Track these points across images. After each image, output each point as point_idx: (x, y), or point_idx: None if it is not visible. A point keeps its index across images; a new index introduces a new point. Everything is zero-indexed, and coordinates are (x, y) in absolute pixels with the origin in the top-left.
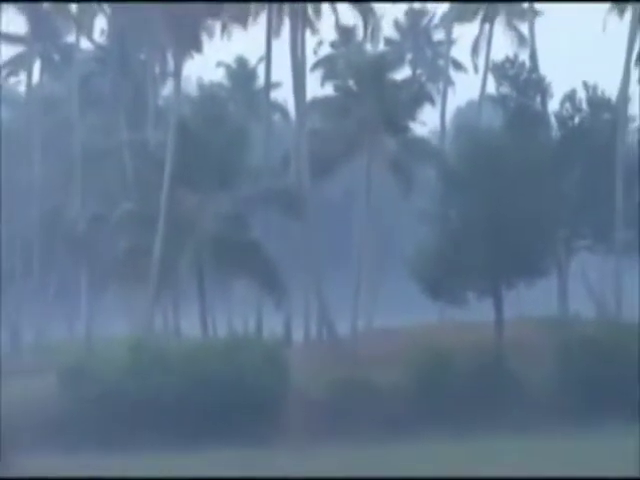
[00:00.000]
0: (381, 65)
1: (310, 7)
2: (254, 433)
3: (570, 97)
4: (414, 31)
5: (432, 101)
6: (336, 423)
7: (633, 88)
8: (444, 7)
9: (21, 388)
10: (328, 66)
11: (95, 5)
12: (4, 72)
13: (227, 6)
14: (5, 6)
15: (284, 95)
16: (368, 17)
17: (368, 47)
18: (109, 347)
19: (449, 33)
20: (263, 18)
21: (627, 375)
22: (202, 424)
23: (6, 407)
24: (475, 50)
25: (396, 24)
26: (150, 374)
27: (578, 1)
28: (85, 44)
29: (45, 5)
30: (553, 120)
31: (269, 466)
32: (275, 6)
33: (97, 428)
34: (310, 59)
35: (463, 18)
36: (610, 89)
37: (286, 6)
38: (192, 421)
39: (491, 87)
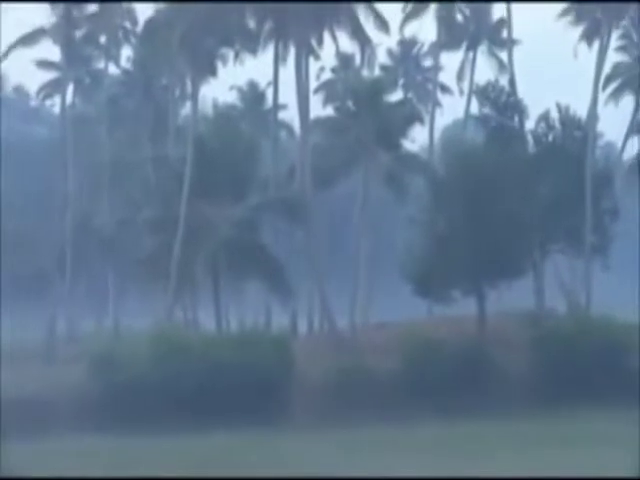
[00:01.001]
0: (376, 88)
1: (313, 37)
2: (264, 415)
3: (544, 117)
4: (406, 58)
5: (422, 120)
6: (336, 405)
7: (600, 109)
8: (432, 37)
9: (56, 374)
10: (329, 89)
11: (122, 35)
12: (41, 95)
13: (239, 36)
14: (42, 37)
15: (290, 115)
16: (365, 46)
17: (365, 72)
18: (134, 338)
19: (437, 60)
20: (271, 47)
21: (595, 363)
22: (217, 407)
23: (42, 391)
24: (460, 75)
25: (390, 52)
26: (171, 362)
27: None
28: (113, 70)
29: (77, 35)
30: (529, 137)
31: (278, 444)
32: (281, 36)
33: (123, 410)
34: (313, 83)
35: (449, 47)
36: (580, 110)
37: (291, 36)
38: (208, 404)
39: (474, 108)
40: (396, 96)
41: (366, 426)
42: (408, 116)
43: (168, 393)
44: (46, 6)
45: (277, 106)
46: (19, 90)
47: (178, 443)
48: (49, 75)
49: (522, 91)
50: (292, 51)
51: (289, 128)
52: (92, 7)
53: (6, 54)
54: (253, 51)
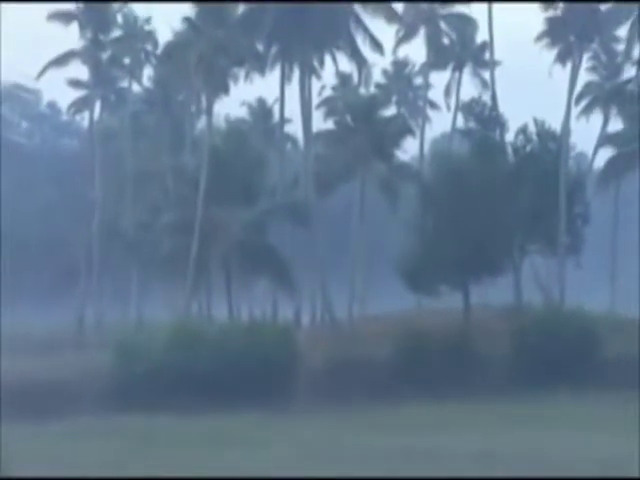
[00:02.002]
0: (372, 104)
1: (315, 59)
2: (271, 397)
3: (523, 130)
4: (398, 78)
5: (413, 133)
6: (335, 389)
7: (573, 123)
8: (422, 58)
9: (85, 360)
10: (329, 105)
11: (143, 56)
12: (72, 110)
13: (249, 58)
14: (72, 59)
15: (294, 128)
16: (362, 66)
17: (362, 90)
18: (155, 328)
19: (426, 79)
20: (278, 68)
21: (568, 350)
22: (229, 389)
23: (72, 374)
24: (447, 93)
25: (384, 72)
26: (187, 349)
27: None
28: (135, 88)
29: (104, 57)
30: (509, 148)
31: (283, 422)
32: (287, 58)
33: (145, 392)
34: (315, 100)
35: (437, 67)
36: (555, 124)
37: (296, 58)
38: (221, 388)
39: (460, 122)
40: (390, 111)
41: (362, 406)
42: (401, 129)
43: (185, 377)
44: (76, 30)
45: (283, 120)
46: (52, 106)
47: (194, 421)
48: (79, 93)
49: (503, 107)
50: (296, 71)
51: (294, 140)
52: (117, 32)
53: (41, 73)
54: (261, 71)
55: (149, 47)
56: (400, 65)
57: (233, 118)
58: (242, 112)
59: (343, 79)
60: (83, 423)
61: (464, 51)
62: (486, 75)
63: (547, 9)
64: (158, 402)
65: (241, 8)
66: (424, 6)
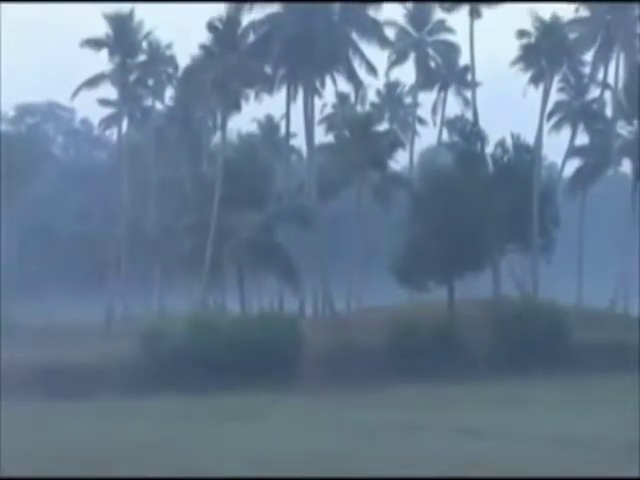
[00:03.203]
0: (367, 121)
1: (317, 81)
2: (278, 378)
3: (501, 143)
4: (391, 97)
5: (403, 146)
6: (335, 371)
7: (545, 137)
8: (412, 80)
9: (112, 347)
10: (330, 121)
11: (165, 78)
12: (102, 126)
13: (258, 80)
14: (103, 80)
15: (299, 141)
16: (358, 87)
17: (358, 108)
18: (175, 319)
19: (415, 98)
20: (284, 88)
21: (541, 338)
22: (241, 372)
23: (100, 359)
24: (434, 110)
25: (378, 92)
26: (204, 337)
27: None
28: (158, 106)
29: (131, 79)
30: (489, 159)
31: (288, 401)
32: (292, 80)
33: (166, 375)
34: (317, 116)
35: (425, 88)
36: (529, 137)
37: (300, 80)
38: (234, 370)
39: (445, 136)
40: (383, 127)
41: (358, 386)
42: (393, 143)
43: (202, 362)
44: (106, 55)
45: (289, 134)
46: (85, 122)
47: (209, 401)
48: (108, 111)
49: (483, 123)
50: (300, 92)
51: (298, 152)
52: (142, 56)
53: (75, 94)
54: (270, 91)
55: (170, 70)
56: (392, 86)
57: (244, 133)
58: (252, 127)
59: (342, 98)
60: (110, 403)
61: (449, 74)
62: (468, 95)
63: (521, 37)
64: (178, 384)
65: (251, 36)
66: (413, 34)
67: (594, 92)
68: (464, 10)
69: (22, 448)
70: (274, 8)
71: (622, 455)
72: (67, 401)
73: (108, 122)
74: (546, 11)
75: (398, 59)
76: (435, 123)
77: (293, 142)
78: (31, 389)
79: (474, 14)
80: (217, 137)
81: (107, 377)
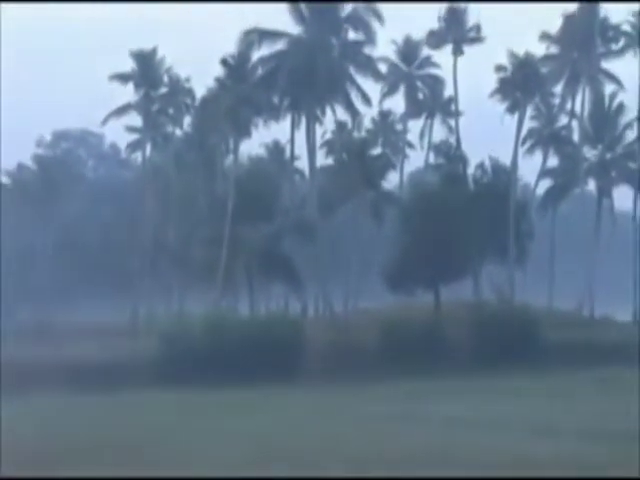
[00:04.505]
0: (363, 145)
1: (318, 110)
2: (283, 373)
3: (480, 165)
4: (384, 124)
5: (395, 168)
6: (334, 366)
7: (520, 160)
8: (402, 109)
9: (136, 345)
10: (330, 146)
11: (184, 108)
12: (128, 150)
13: (266, 109)
14: (129, 110)
15: (302, 163)
16: (355, 116)
17: (355, 134)
18: (192, 320)
19: (405, 125)
20: (289, 116)
21: (516, 337)
22: (250, 367)
23: (125, 356)
24: (421, 136)
25: (372, 120)
26: (218, 336)
27: None
28: (178, 132)
29: (153, 108)
30: (470, 180)
31: (292, 394)
32: (296, 109)
33: (184, 371)
34: (318, 141)
35: (414, 116)
36: (505, 160)
37: (303, 109)
38: (244, 366)
39: (431, 159)
40: (377, 151)
41: (354, 379)
42: (385, 165)
43: (216, 358)
44: (131, 88)
45: (293, 157)
46: (113, 147)
47: (222, 393)
48: (134, 136)
49: (465, 147)
50: (303, 119)
51: (301, 173)
52: (163, 89)
53: (104, 121)
54: (276, 119)
55: (188, 100)
56: (385, 115)
57: (254, 155)
58: (261, 151)
59: (340, 126)
60: (135, 395)
61: (435, 104)
62: (452, 122)
63: (499, 72)
64: (194, 378)
65: (260, 70)
66: (403, 68)
67: (563, 120)
68: (448, 48)
69: (58, 437)
70: (280, 45)
71: (580, 439)
72: (96, 394)
73: (133, 146)
74: (520, 48)
75: (390, 91)
76: (422, 147)
77: (297, 164)
78: (64, 383)
79: (457, 52)
80: (230, 159)
81: (132, 372)
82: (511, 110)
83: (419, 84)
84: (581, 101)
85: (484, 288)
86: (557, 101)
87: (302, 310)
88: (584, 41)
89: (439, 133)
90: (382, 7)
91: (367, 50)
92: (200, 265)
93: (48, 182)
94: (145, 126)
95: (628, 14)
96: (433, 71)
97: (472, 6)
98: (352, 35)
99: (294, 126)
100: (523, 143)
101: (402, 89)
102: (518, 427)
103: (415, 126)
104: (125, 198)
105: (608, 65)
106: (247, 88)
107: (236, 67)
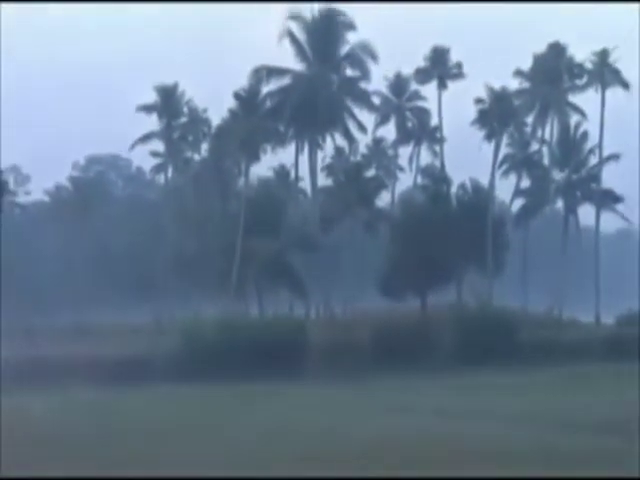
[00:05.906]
0: (359, 168)
1: (319, 137)
2: (288, 370)
3: (462, 186)
4: (377, 150)
5: (387, 188)
6: (334, 363)
7: (497, 181)
8: (393, 136)
9: (158, 343)
10: (329, 169)
11: (201, 136)
12: (152, 173)
13: (273, 136)
14: (153, 137)
15: (305, 184)
16: (351, 142)
17: (351, 159)
18: (208, 321)
19: (396, 151)
20: (293, 143)
21: (494, 337)
22: (259, 364)
23: (149, 355)
24: (410, 160)
25: (367, 146)
26: (231, 336)
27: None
28: (196, 157)
29: (174, 136)
30: (453, 199)
31: (297, 388)
32: (300, 137)
33: (200, 367)
34: (320, 165)
35: (403, 142)
36: (484, 181)
37: (306, 137)
38: (254, 362)
39: (419, 180)
40: (371, 173)
41: (351, 375)
42: (378, 186)
43: (229, 355)
44: (155, 118)
45: (297, 179)
46: (139, 170)
47: (234, 388)
48: (157, 160)
49: (449, 170)
50: (306, 146)
51: (304, 192)
52: (183, 118)
53: (132, 147)
54: (282, 145)
55: (205, 129)
56: (378, 141)
57: (263, 177)
58: (269, 173)
59: (339, 151)
60: (157, 389)
61: (422, 132)
62: (437, 148)
63: (478, 104)
64: (209, 373)
65: (268, 102)
66: (394, 101)
67: (534, 146)
68: (434, 83)
69: (95, 426)
70: (286, 80)
71: (549, 426)
72: (122, 387)
73: (157, 169)
74: (497, 83)
75: (382, 120)
76: (411, 170)
77: (300, 185)
78: (95, 378)
79: (442, 86)
80: (241, 181)
81: (154, 368)
82: (489, 137)
83: (408, 114)
84: (550, 130)
85: (466, 294)
86: (529, 130)
87: (305, 313)
88: (553, 77)
89: (426, 157)
90: (376, 47)
91: (363, 85)
92: (215, 274)
93: (83, 200)
94: (167, 151)
95: (591, 54)
96: (420, 103)
97: (454, 47)
98: (349, 72)
99: (298, 151)
100: (499, 166)
101: (393, 119)
102: (500, 417)
103: (405, 151)
104: (150, 215)
105: (574, 98)
106: (257, 118)
107: (247, 100)
